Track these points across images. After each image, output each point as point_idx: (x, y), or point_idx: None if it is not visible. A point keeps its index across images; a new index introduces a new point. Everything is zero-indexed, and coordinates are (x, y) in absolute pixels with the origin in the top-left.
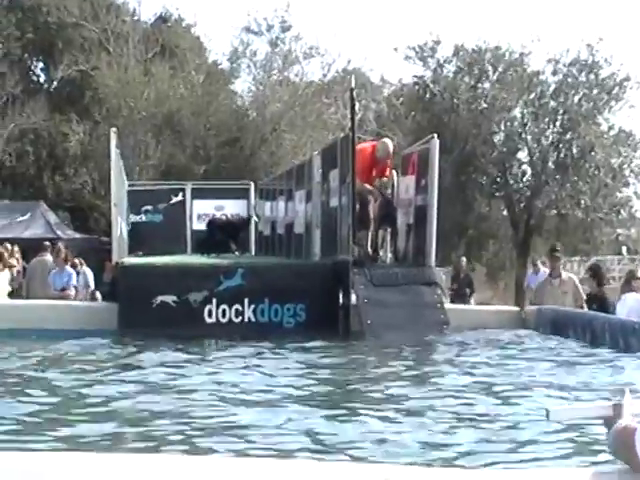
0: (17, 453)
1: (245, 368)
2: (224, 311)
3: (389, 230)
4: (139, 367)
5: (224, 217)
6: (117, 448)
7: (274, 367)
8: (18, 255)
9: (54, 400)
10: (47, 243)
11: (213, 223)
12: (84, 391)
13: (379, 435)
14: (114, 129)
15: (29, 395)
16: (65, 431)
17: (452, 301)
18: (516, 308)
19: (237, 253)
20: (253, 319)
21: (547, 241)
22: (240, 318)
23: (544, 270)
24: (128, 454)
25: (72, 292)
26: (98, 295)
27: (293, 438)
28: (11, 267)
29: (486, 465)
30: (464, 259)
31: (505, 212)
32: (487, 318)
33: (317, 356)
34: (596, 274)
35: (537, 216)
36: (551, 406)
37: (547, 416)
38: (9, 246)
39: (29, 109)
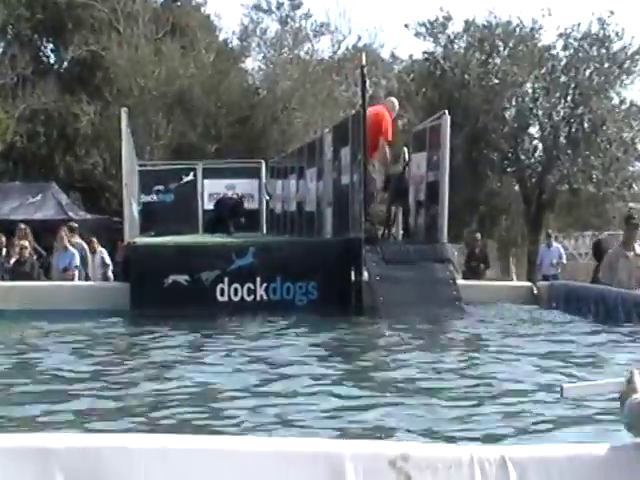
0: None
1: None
2: (236, 290)
3: (400, 207)
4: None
5: (230, 196)
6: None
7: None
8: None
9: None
10: (75, 225)
11: (220, 202)
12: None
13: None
14: (125, 109)
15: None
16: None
17: (466, 277)
18: (529, 283)
19: (232, 231)
20: (265, 297)
21: (558, 216)
22: (252, 296)
23: (556, 245)
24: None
25: (75, 272)
26: (110, 275)
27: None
28: (22, 248)
29: (499, 440)
30: (479, 235)
31: (517, 188)
32: (500, 294)
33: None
34: (595, 250)
35: (549, 191)
36: (565, 383)
37: (561, 393)
38: (22, 226)
39: (40, 90)
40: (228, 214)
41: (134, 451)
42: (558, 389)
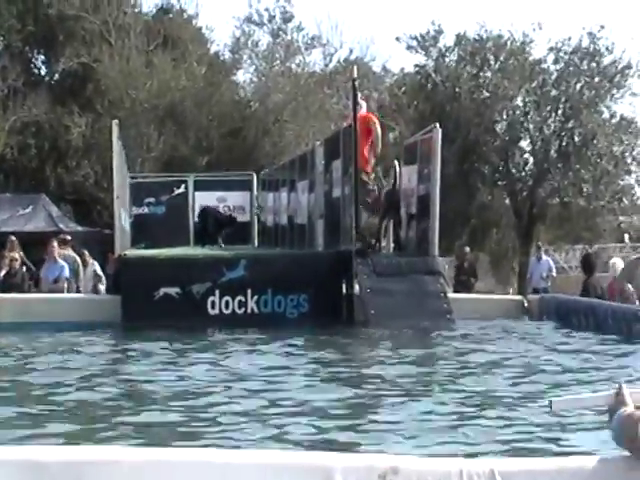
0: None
1: None
2: (227, 302)
3: (391, 220)
4: None
5: (219, 209)
6: None
7: None
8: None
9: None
10: (68, 237)
11: (205, 212)
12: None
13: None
14: (116, 121)
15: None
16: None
17: (457, 290)
18: (519, 297)
19: (222, 245)
20: (256, 310)
21: (549, 229)
22: (243, 309)
23: (546, 258)
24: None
25: (65, 284)
26: (101, 287)
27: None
28: (12, 260)
29: (486, 454)
30: (467, 248)
31: (508, 201)
32: (490, 307)
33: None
34: (583, 264)
35: (540, 204)
36: (553, 397)
37: (550, 406)
38: (12, 238)
39: (31, 102)
40: (217, 226)
41: (124, 463)
42: (547, 403)
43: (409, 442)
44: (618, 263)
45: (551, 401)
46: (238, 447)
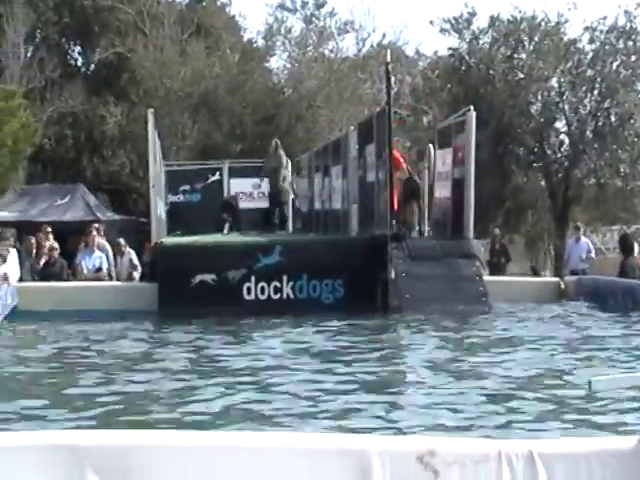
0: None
1: None
2: (263, 288)
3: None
4: None
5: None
6: None
7: None
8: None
9: None
10: (96, 225)
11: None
12: None
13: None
14: (151, 110)
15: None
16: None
17: (490, 273)
18: (556, 279)
19: (225, 232)
20: (292, 295)
21: (585, 210)
22: (279, 295)
23: (585, 239)
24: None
25: (106, 273)
26: (135, 275)
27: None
28: (52, 249)
29: (524, 436)
30: (497, 230)
31: (543, 183)
32: (527, 289)
33: None
34: (622, 244)
35: (575, 186)
36: (593, 377)
37: (589, 387)
38: (49, 229)
39: (67, 93)
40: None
41: (162, 448)
42: (587, 383)
43: (448, 423)
44: None
45: (590, 381)
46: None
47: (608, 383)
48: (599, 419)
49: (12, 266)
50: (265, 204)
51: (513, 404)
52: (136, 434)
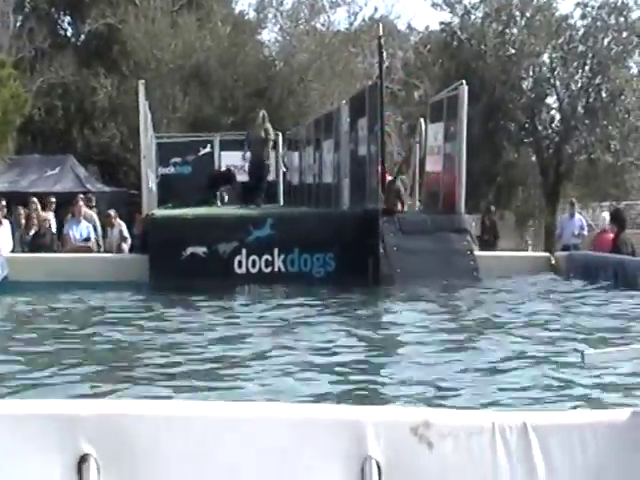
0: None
1: None
2: (254, 261)
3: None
4: None
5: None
6: None
7: None
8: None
9: None
10: (89, 196)
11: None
12: None
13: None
14: (142, 81)
15: None
16: None
17: (481, 249)
18: (546, 254)
19: (219, 204)
20: (283, 269)
21: (576, 187)
22: (270, 268)
23: (579, 216)
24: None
25: (94, 242)
26: (125, 247)
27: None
28: (42, 220)
29: (520, 406)
30: (492, 207)
31: (534, 158)
32: (518, 264)
33: None
34: (614, 219)
35: (566, 162)
36: (586, 349)
37: (582, 359)
38: (35, 200)
39: (57, 63)
40: (211, 183)
41: (158, 417)
42: (580, 356)
43: (442, 395)
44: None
45: (583, 354)
46: None
47: (601, 356)
48: (592, 392)
49: (5, 237)
50: None
51: (506, 377)
52: (133, 404)
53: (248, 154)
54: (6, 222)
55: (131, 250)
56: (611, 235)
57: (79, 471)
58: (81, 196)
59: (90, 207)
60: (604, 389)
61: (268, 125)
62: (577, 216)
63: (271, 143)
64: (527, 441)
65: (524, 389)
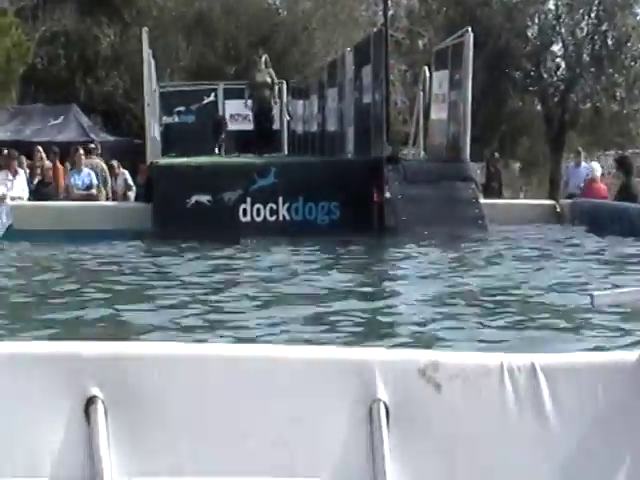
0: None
1: None
2: (258, 210)
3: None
4: None
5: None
6: None
7: None
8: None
9: None
10: (92, 145)
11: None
12: None
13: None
14: (146, 29)
15: None
16: None
17: (485, 197)
18: (551, 202)
19: (217, 151)
20: (288, 217)
21: (581, 135)
22: (275, 217)
23: (585, 165)
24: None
25: (96, 191)
26: (130, 195)
27: None
28: (46, 169)
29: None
30: (496, 154)
31: (539, 107)
32: (522, 212)
33: None
34: (622, 165)
35: (571, 110)
36: (595, 291)
37: (591, 302)
38: (40, 149)
39: (59, 12)
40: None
41: (165, 358)
42: (589, 298)
43: (448, 337)
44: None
45: (592, 295)
46: None
47: (612, 297)
48: (601, 333)
49: (21, 186)
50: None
51: (513, 318)
52: (140, 345)
53: (250, 102)
54: (21, 171)
55: (136, 199)
56: (601, 185)
57: (86, 413)
58: (92, 145)
59: (96, 155)
60: (614, 331)
61: (271, 70)
62: (583, 165)
63: (277, 88)
64: (536, 382)
65: (532, 329)
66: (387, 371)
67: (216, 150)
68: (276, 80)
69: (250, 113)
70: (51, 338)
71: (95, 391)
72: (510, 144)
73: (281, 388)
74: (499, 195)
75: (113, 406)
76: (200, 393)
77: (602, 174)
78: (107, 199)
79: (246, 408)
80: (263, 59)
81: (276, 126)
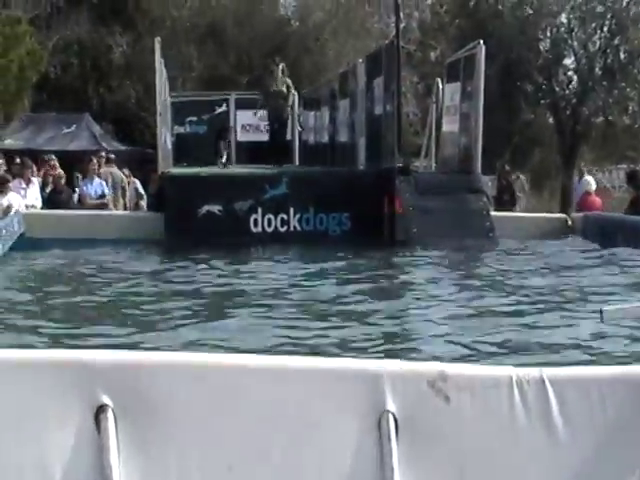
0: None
1: None
2: (270, 220)
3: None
4: None
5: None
6: None
7: None
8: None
9: None
10: (112, 156)
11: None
12: None
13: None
14: (158, 38)
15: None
16: None
17: (496, 209)
18: (563, 215)
19: (223, 161)
20: (299, 228)
21: (593, 148)
22: (286, 227)
23: (586, 178)
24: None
25: (109, 201)
26: (143, 204)
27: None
28: (59, 177)
29: (539, 361)
30: (507, 166)
31: (551, 119)
32: (534, 225)
33: None
34: (632, 179)
35: (583, 123)
36: (605, 306)
37: (601, 317)
38: (53, 157)
39: (73, 21)
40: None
41: (175, 367)
42: (599, 313)
43: (457, 348)
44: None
45: (602, 310)
46: None
47: (622, 312)
48: (610, 347)
49: (35, 195)
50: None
51: (523, 332)
52: (150, 354)
53: (261, 112)
54: (35, 180)
55: (147, 208)
56: (595, 197)
57: (97, 422)
58: (102, 154)
59: (110, 164)
60: (623, 345)
61: (288, 79)
62: (585, 177)
63: (291, 98)
64: (545, 395)
65: (541, 342)
66: (396, 382)
67: (222, 160)
68: (292, 89)
69: (262, 123)
70: (61, 346)
71: (105, 399)
72: (522, 156)
73: (291, 399)
74: (511, 207)
75: (123, 414)
76: (210, 402)
77: (613, 187)
78: (125, 209)
79: (256, 417)
80: (280, 67)
81: (288, 136)
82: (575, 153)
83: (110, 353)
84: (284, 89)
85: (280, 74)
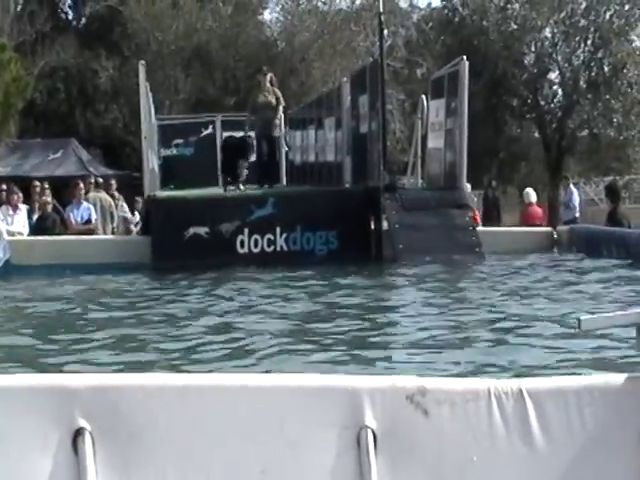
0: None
1: None
2: (256, 241)
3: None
4: None
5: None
6: None
7: None
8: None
9: None
10: (100, 180)
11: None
12: None
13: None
14: (142, 62)
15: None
16: None
17: (483, 224)
18: (549, 229)
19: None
20: (285, 248)
21: (579, 161)
22: (272, 247)
23: (571, 188)
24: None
25: (96, 226)
26: (133, 228)
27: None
28: (45, 204)
29: (520, 375)
30: (494, 182)
31: (537, 134)
32: (520, 239)
33: None
34: (610, 192)
35: (569, 136)
36: (582, 315)
37: (579, 325)
38: (38, 183)
39: (59, 46)
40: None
41: (153, 389)
42: (576, 322)
43: (437, 363)
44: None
45: (579, 320)
46: None
47: (599, 322)
48: (587, 357)
49: (22, 223)
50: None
51: (501, 344)
52: (128, 377)
53: (251, 132)
54: (23, 207)
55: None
56: (537, 208)
57: (74, 445)
58: (91, 180)
59: (99, 189)
60: (600, 354)
61: (277, 89)
62: (569, 188)
63: (281, 109)
64: (523, 406)
65: (519, 354)
66: (375, 397)
67: (240, 186)
68: (282, 100)
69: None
70: (38, 370)
71: (83, 423)
72: (509, 170)
73: (269, 416)
74: (497, 222)
75: (101, 437)
76: (188, 423)
77: (600, 199)
78: (113, 234)
79: (235, 437)
80: (268, 77)
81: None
82: (561, 166)
83: (86, 376)
84: (273, 100)
85: (268, 84)
